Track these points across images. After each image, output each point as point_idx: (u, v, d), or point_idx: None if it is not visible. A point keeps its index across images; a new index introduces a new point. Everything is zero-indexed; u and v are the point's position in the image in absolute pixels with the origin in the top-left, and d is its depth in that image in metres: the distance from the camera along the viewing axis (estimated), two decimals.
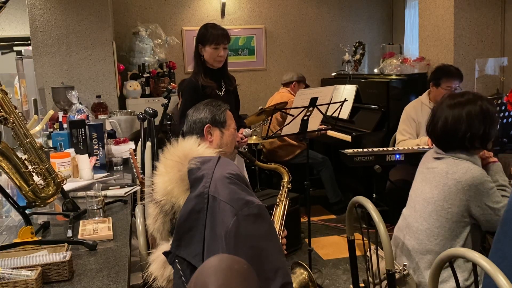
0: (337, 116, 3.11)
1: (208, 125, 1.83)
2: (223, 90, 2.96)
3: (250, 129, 2.89)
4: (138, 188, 2.50)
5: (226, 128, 1.87)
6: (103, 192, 2.21)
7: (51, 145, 2.90)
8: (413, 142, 3.45)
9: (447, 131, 2.03)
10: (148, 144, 2.72)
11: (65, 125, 3.24)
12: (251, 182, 2.71)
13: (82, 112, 3.36)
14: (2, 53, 6.98)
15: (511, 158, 3.08)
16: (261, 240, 1.45)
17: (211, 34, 2.85)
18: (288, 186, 2.23)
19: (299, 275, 1.97)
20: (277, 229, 2.01)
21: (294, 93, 4.66)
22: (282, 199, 2.19)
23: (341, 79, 5.18)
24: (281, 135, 3.10)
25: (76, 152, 2.71)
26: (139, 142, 3.09)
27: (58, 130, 3.28)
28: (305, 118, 2.98)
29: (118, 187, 2.45)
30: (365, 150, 3.22)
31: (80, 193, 2.30)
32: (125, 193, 2.35)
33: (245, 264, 1.13)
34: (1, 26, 6.75)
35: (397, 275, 1.92)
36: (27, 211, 1.75)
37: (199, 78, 2.89)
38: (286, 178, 2.25)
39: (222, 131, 1.86)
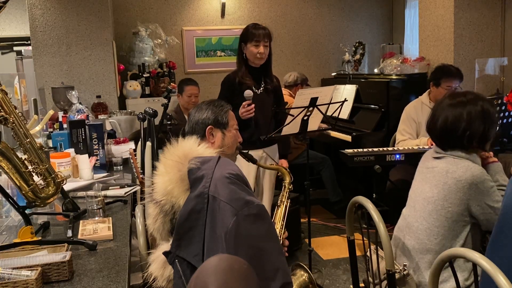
0: (337, 116, 3.11)
1: (210, 126, 1.81)
2: (262, 88, 3.04)
3: (252, 92, 2.93)
4: (138, 188, 2.50)
5: (228, 129, 1.85)
6: (103, 192, 2.21)
7: (51, 145, 2.90)
8: (413, 142, 3.45)
9: (447, 130, 2.03)
10: (148, 144, 2.72)
11: (65, 125, 3.24)
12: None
13: (82, 112, 3.36)
14: (2, 53, 6.98)
15: (511, 158, 3.08)
16: (261, 240, 1.45)
17: (251, 33, 2.98)
18: (290, 187, 2.23)
19: (299, 276, 1.97)
20: (278, 230, 2.01)
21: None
22: (283, 200, 2.18)
23: (341, 79, 5.18)
24: (281, 135, 3.10)
25: (76, 152, 2.71)
26: (139, 142, 3.09)
27: (58, 130, 3.28)
28: (305, 118, 2.97)
29: (118, 187, 2.45)
30: (365, 150, 3.22)
31: (80, 193, 2.30)
32: (125, 193, 2.35)
33: (245, 264, 1.13)
34: (1, 26, 6.75)
35: (397, 275, 1.92)
36: (27, 211, 1.75)
37: (238, 75, 3.02)
38: (287, 179, 2.24)
39: (224, 132, 1.84)
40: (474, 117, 1.99)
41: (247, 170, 2.93)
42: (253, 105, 2.90)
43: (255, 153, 2.98)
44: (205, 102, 1.91)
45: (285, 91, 4.81)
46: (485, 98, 2.08)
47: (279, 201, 2.18)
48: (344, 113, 4.58)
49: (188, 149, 1.66)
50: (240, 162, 2.11)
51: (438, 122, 2.06)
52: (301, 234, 3.97)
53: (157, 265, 1.65)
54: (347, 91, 4.80)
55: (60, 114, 3.70)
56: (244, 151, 2.12)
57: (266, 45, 2.99)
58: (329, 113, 3.10)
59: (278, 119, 3.12)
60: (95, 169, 2.71)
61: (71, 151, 2.70)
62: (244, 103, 2.89)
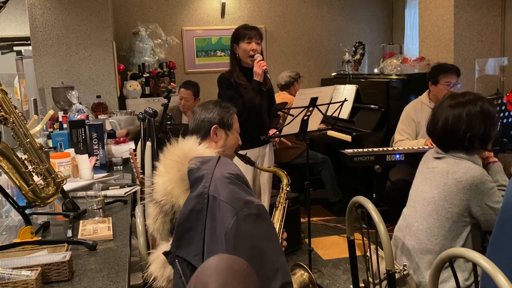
0: (337, 116, 3.11)
1: (215, 125, 1.83)
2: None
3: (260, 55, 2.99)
4: (138, 188, 2.50)
5: (232, 131, 1.88)
6: (103, 192, 2.20)
7: (51, 145, 2.90)
8: (411, 143, 3.44)
9: (447, 131, 2.03)
10: (148, 144, 2.73)
11: (65, 125, 3.24)
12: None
13: (82, 112, 3.36)
14: (2, 53, 6.97)
15: (511, 158, 3.08)
16: (261, 240, 1.45)
17: (242, 32, 3.01)
18: (287, 189, 2.23)
19: (300, 276, 1.97)
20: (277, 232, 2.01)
21: (295, 92, 4.65)
22: (281, 201, 2.18)
23: (341, 79, 5.18)
24: (281, 135, 3.10)
25: (76, 152, 2.71)
26: (139, 142, 3.09)
27: (58, 130, 3.28)
28: (305, 118, 2.97)
29: (118, 187, 2.45)
30: (365, 150, 3.22)
31: (80, 193, 2.30)
32: (125, 193, 2.35)
33: (245, 264, 1.13)
34: (1, 26, 6.74)
35: (397, 275, 1.92)
36: (27, 211, 1.75)
37: (233, 75, 3.01)
38: (285, 181, 2.24)
39: (228, 134, 1.86)
40: (474, 117, 1.99)
41: (244, 171, 2.92)
42: (264, 61, 2.93)
43: (250, 153, 2.98)
44: (212, 101, 1.92)
45: (282, 93, 4.81)
46: (485, 98, 2.08)
47: (277, 202, 2.18)
48: (344, 113, 4.58)
49: (188, 149, 1.66)
50: (237, 163, 2.11)
51: (438, 124, 2.06)
52: (301, 234, 3.96)
53: (157, 265, 1.65)
54: (347, 91, 4.80)
55: (60, 114, 3.70)
56: (242, 153, 2.12)
57: (258, 43, 2.99)
58: (329, 113, 3.10)
59: (272, 117, 3.11)
60: (95, 169, 2.71)
61: (71, 151, 2.70)
62: (255, 61, 2.92)
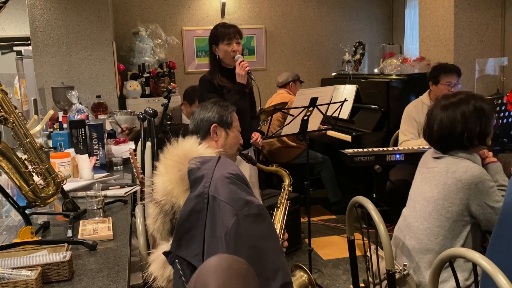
0: (337, 116, 3.11)
1: (215, 124, 1.83)
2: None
3: (241, 55, 2.84)
4: (138, 188, 2.50)
5: (232, 130, 1.88)
6: (103, 192, 2.20)
7: (51, 145, 2.90)
8: (415, 143, 3.44)
9: (444, 133, 2.03)
10: (148, 144, 2.73)
11: (65, 125, 3.24)
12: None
13: (82, 112, 3.36)
14: (2, 53, 6.97)
15: (511, 158, 3.08)
16: (261, 240, 1.45)
17: (221, 32, 2.85)
18: (289, 189, 2.23)
19: (299, 277, 1.97)
20: (277, 232, 2.01)
21: (293, 92, 4.67)
22: (283, 201, 2.18)
23: (341, 79, 5.18)
24: (281, 135, 3.10)
25: (76, 152, 2.71)
26: (139, 142, 3.09)
27: (58, 130, 3.28)
28: (305, 118, 2.98)
29: (118, 187, 2.45)
30: (365, 150, 3.22)
31: (80, 193, 2.30)
32: (125, 193, 2.35)
33: (245, 264, 1.13)
34: (1, 26, 6.75)
35: (397, 275, 1.92)
36: (27, 211, 1.75)
37: (215, 77, 2.86)
38: (287, 181, 2.24)
39: (228, 132, 1.86)
40: (468, 117, 1.99)
41: None
42: (246, 62, 2.81)
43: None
44: (211, 101, 1.94)
45: (282, 90, 4.83)
46: (477, 95, 2.09)
47: (278, 203, 2.18)
48: (344, 113, 4.58)
49: (188, 149, 1.66)
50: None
51: (434, 128, 2.06)
52: (301, 234, 3.97)
53: (157, 265, 1.65)
54: (347, 91, 4.80)
55: (60, 114, 3.70)
56: (244, 153, 2.12)
57: (239, 42, 2.86)
58: (329, 113, 3.11)
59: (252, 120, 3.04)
60: (95, 169, 2.71)
61: (71, 151, 2.70)
62: (237, 63, 2.79)
